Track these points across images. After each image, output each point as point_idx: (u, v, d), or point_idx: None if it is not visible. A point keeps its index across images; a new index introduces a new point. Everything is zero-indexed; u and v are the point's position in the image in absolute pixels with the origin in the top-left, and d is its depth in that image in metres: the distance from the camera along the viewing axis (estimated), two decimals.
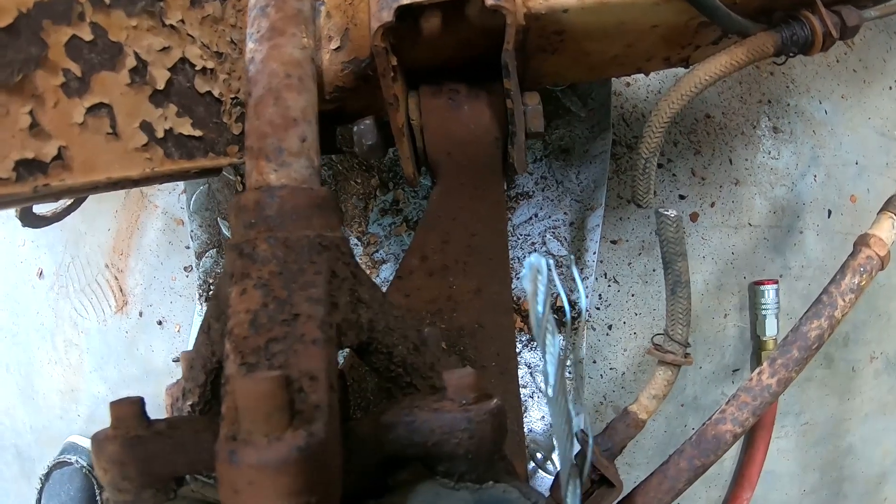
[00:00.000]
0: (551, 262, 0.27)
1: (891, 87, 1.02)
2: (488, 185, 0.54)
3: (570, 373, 0.79)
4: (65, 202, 0.78)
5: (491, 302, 0.59)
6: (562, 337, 0.26)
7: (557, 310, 0.81)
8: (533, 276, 0.26)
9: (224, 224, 0.90)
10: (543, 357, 0.26)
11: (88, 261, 1.12)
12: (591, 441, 0.36)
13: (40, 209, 0.77)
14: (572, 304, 0.74)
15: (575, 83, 0.79)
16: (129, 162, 0.42)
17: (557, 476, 0.56)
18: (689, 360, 0.57)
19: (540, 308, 0.26)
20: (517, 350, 0.82)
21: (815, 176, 0.98)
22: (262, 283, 0.33)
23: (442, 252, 0.57)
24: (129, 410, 0.34)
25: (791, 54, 0.50)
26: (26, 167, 0.36)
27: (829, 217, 0.99)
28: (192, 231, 0.91)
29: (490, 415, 0.33)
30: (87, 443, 1.08)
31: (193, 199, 0.90)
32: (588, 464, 0.26)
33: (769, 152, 0.97)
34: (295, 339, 0.30)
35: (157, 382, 1.07)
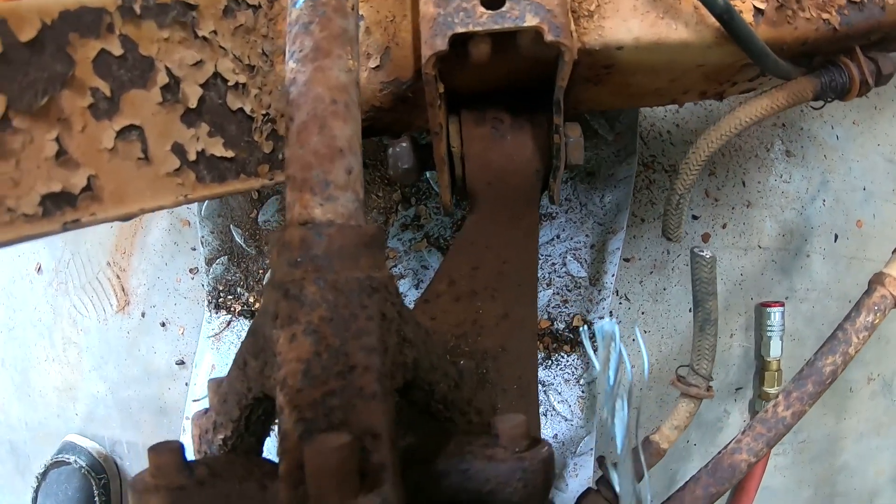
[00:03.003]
0: (618, 328, 0.27)
1: None
2: (524, 214, 0.53)
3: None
4: None
5: (516, 326, 0.59)
6: (627, 400, 0.26)
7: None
8: (607, 343, 0.25)
9: (237, 231, 0.88)
10: (612, 422, 0.25)
11: (89, 258, 1.09)
12: (648, 492, 0.36)
13: None
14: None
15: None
16: (161, 189, 0.40)
17: (580, 500, 0.57)
18: (711, 393, 0.58)
19: (612, 374, 0.25)
20: None
21: (824, 200, 0.99)
22: (311, 330, 0.33)
23: (471, 277, 0.56)
24: (171, 459, 0.33)
25: (829, 100, 0.50)
26: (53, 201, 0.34)
27: (835, 241, 1.00)
28: (202, 237, 0.89)
29: (543, 462, 0.33)
30: (85, 442, 1.07)
31: (205, 204, 0.88)
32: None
33: (781, 175, 0.98)
34: (353, 393, 0.30)
35: (160, 384, 1.06)
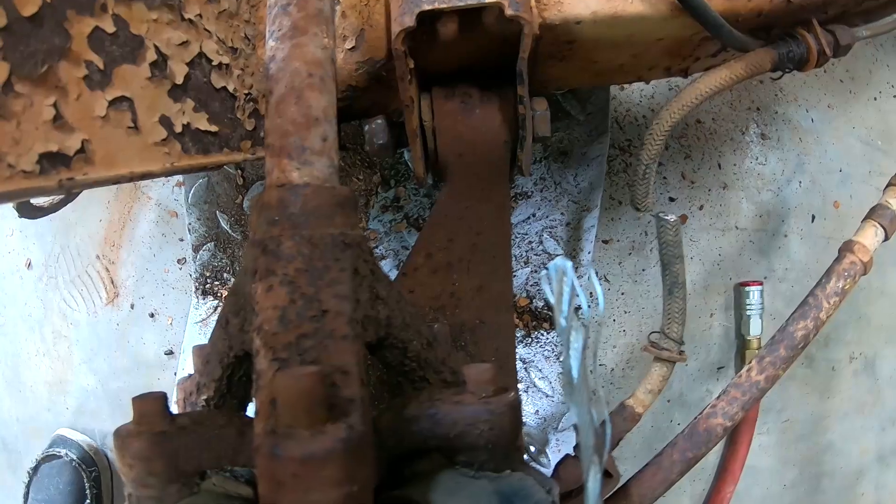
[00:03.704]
0: (571, 264, 0.29)
1: (875, 98, 1.05)
2: (495, 186, 0.55)
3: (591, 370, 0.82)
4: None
5: (492, 299, 0.61)
6: (583, 333, 0.28)
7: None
8: (559, 277, 0.27)
9: (223, 217, 0.90)
10: (567, 352, 0.27)
11: (79, 251, 1.10)
12: (608, 429, 0.38)
13: (37, 200, 0.76)
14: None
15: (576, 88, 0.81)
16: (149, 156, 0.42)
17: (558, 465, 0.58)
18: (684, 356, 0.60)
19: (565, 307, 0.27)
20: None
21: (801, 182, 1.02)
22: (288, 280, 0.34)
23: (447, 250, 0.58)
24: (154, 406, 0.35)
25: (787, 70, 0.52)
26: (50, 160, 0.37)
27: (812, 222, 1.02)
28: (189, 224, 0.91)
29: (509, 407, 0.34)
30: (76, 436, 1.07)
31: (192, 191, 0.90)
32: (606, 451, 0.28)
33: (757, 158, 1.00)
34: (325, 335, 0.31)
35: (149, 375, 1.07)
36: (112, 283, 1.09)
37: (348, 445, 0.25)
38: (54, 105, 0.37)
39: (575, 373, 0.26)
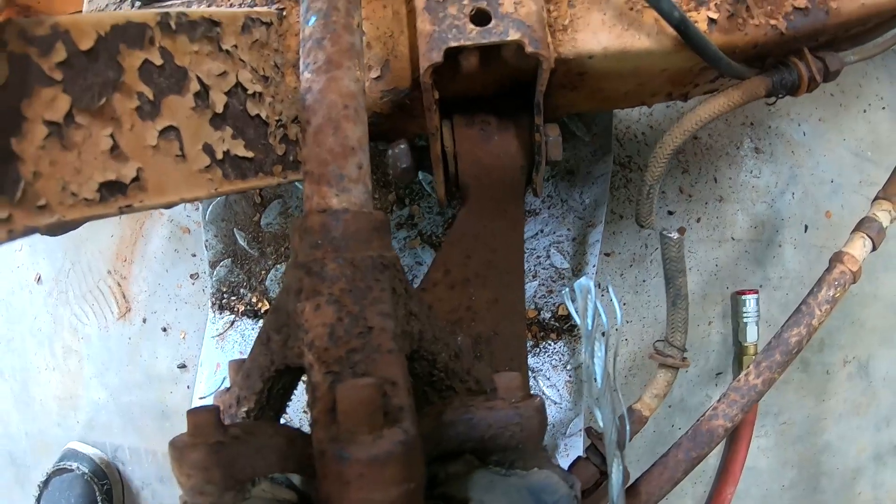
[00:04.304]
0: (593, 283, 0.32)
1: (865, 110, 1.10)
2: (510, 206, 0.58)
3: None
4: None
5: (506, 311, 0.64)
6: (604, 343, 0.31)
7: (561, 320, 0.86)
8: (584, 294, 0.30)
9: (240, 235, 0.92)
10: (591, 359, 0.30)
11: (90, 267, 1.12)
12: (628, 428, 0.41)
13: None
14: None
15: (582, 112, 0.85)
16: (195, 183, 0.45)
17: (571, 468, 0.61)
18: (687, 363, 0.63)
19: (589, 321, 0.30)
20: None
21: (794, 193, 1.06)
22: (333, 300, 0.37)
23: (464, 266, 0.61)
24: (208, 418, 0.37)
25: (780, 96, 0.56)
26: (108, 188, 0.39)
27: (805, 232, 1.06)
28: (206, 240, 0.93)
29: (536, 410, 0.38)
30: (87, 449, 1.08)
31: (210, 209, 0.92)
32: (626, 446, 0.31)
33: (751, 171, 1.04)
34: (372, 350, 0.34)
35: (161, 388, 1.08)
36: (124, 297, 1.11)
37: (405, 447, 0.28)
38: (111, 136, 0.40)
39: (599, 378, 0.30)
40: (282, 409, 0.48)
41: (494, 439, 0.37)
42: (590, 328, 0.31)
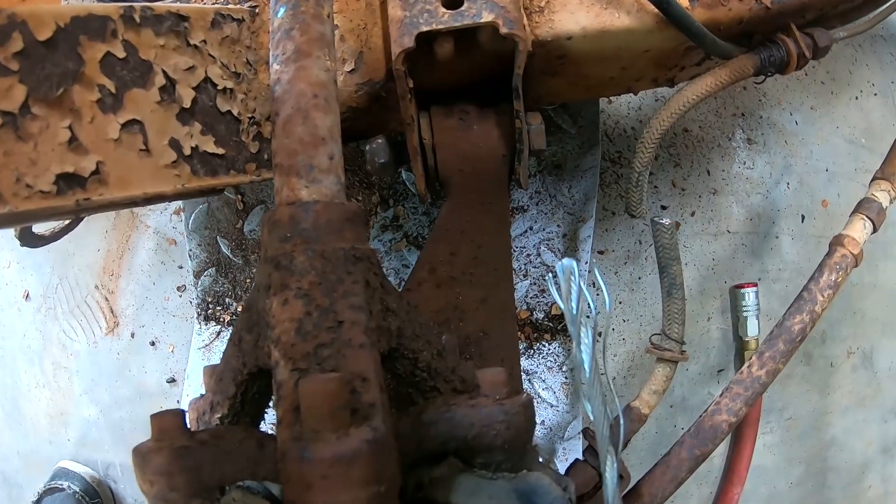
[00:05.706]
0: (577, 263, 0.30)
1: (857, 98, 1.09)
2: (495, 199, 0.57)
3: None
4: (63, 221, 0.78)
5: (496, 310, 0.62)
6: (591, 328, 0.29)
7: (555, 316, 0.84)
8: (567, 276, 0.28)
9: (224, 243, 0.90)
10: (578, 347, 0.28)
11: (77, 282, 1.10)
12: (622, 422, 0.39)
13: (39, 228, 0.77)
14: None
15: (567, 102, 0.83)
16: (160, 178, 0.43)
17: (568, 471, 0.59)
18: (685, 356, 0.61)
19: (573, 304, 0.28)
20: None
21: (789, 183, 1.04)
22: (302, 293, 0.35)
23: (450, 264, 0.59)
24: (172, 422, 0.35)
25: (769, 74, 0.55)
26: (66, 181, 0.38)
27: (802, 222, 1.05)
28: (190, 250, 0.92)
29: (523, 407, 0.35)
30: (78, 468, 1.06)
31: (192, 217, 0.91)
32: (621, 443, 0.29)
33: (744, 162, 1.03)
34: (342, 344, 0.32)
35: (151, 403, 1.06)
36: (112, 312, 1.09)
37: (374, 446, 0.26)
38: (69, 127, 0.39)
39: (587, 366, 0.28)
40: (259, 415, 0.46)
41: (479, 439, 0.34)
42: (574, 312, 0.29)
